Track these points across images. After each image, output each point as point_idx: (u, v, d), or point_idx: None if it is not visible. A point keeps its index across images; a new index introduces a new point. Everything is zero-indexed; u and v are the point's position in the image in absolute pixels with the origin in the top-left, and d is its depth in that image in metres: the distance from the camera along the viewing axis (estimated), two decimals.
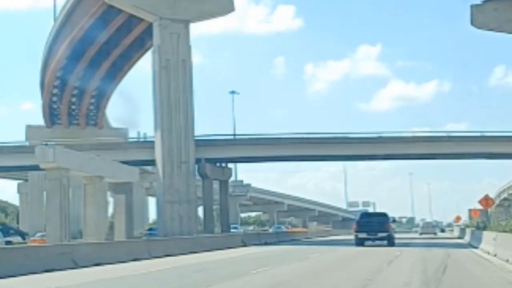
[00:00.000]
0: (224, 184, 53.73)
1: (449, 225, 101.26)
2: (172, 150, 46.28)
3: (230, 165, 56.46)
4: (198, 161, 48.52)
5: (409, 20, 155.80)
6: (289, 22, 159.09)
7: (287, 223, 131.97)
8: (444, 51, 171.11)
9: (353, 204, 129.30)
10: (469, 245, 33.16)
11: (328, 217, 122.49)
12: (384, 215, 36.78)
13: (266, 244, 40.54)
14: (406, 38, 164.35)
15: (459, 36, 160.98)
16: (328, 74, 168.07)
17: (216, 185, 53.87)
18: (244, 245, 37.69)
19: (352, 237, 37.22)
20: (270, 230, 69.11)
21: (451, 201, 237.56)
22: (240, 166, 76.64)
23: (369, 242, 34.07)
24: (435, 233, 65.23)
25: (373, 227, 34.24)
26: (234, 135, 51.36)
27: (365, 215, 41.63)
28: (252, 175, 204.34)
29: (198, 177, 50.53)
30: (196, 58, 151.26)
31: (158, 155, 46.45)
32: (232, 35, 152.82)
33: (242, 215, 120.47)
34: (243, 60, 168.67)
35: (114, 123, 72.30)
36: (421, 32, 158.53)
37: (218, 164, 53.08)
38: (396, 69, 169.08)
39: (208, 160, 49.87)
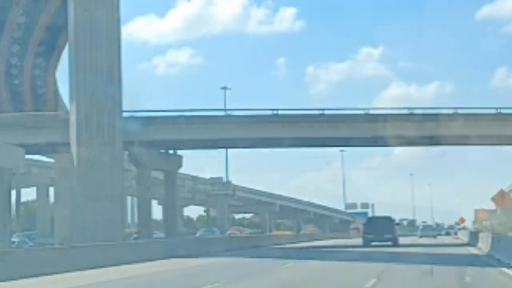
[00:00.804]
0: (170, 176, 41.68)
1: (451, 227, 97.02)
2: (91, 128, 34.76)
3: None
4: (129, 144, 37.02)
5: (410, 22, 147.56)
6: (290, 23, 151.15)
7: (282, 226, 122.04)
8: (445, 52, 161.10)
9: (351, 205, 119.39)
10: (492, 258, 22.30)
11: (324, 219, 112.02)
12: (389, 218, 39.57)
13: (205, 255, 28.84)
14: (407, 40, 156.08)
15: (460, 37, 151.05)
16: (330, 76, 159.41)
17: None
18: (165, 257, 26.15)
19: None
20: (198, 234, 57.84)
21: (452, 202, 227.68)
22: (236, 166, 65.55)
23: (376, 243, 36.88)
24: (434, 236, 63.35)
25: (379, 229, 36.98)
26: (181, 111, 39.17)
27: (372, 218, 46.80)
28: (251, 176, 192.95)
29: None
30: (197, 59, 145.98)
31: (72, 135, 35.01)
32: (233, 36, 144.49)
33: (236, 216, 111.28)
34: (244, 61, 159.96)
35: None
36: (422, 34, 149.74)
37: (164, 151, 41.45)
38: (398, 71, 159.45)
39: (145, 143, 38.22)
